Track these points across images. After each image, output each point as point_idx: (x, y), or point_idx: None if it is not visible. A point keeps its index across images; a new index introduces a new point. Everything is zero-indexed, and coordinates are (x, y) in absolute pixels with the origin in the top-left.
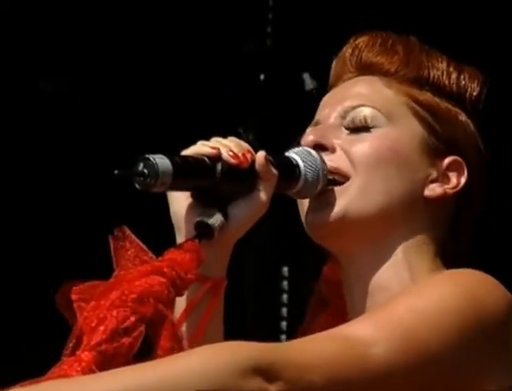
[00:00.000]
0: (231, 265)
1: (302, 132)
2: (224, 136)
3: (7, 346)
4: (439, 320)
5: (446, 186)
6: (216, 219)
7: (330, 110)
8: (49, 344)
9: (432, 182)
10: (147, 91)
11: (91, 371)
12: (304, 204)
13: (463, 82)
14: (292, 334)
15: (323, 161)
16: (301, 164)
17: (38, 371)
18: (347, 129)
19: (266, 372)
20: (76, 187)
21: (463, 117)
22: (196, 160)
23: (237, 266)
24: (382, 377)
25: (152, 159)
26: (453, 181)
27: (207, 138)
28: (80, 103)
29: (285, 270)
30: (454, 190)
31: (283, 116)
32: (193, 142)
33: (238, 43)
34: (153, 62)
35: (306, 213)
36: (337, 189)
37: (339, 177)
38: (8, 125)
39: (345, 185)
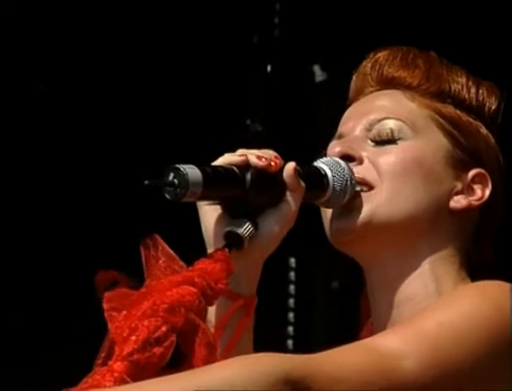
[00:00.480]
0: None
1: (310, 123)
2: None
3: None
4: (467, 334)
5: (471, 198)
6: (246, 229)
7: (355, 123)
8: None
9: (457, 193)
10: (154, 86)
11: (124, 381)
12: (328, 212)
13: (482, 96)
14: (298, 325)
15: (351, 171)
16: (329, 173)
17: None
18: (373, 141)
19: (297, 384)
20: (107, 195)
21: (484, 130)
22: (225, 170)
23: None
24: (411, 390)
25: (182, 169)
26: (478, 193)
27: (216, 132)
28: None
29: (292, 261)
30: (479, 202)
31: (290, 107)
32: (201, 136)
33: (246, 34)
34: (159, 55)
35: (331, 220)
36: (363, 195)
37: (366, 188)
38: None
39: (372, 192)
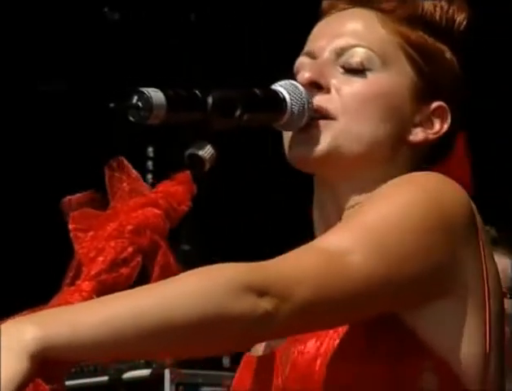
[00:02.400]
0: None
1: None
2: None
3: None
4: (407, 223)
5: (429, 132)
6: (207, 151)
7: (326, 43)
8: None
9: (416, 126)
10: None
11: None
12: (289, 135)
13: (451, 15)
14: None
15: (309, 94)
16: (287, 97)
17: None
18: (343, 68)
19: (256, 289)
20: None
21: (449, 55)
22: (188, 93)
23: None
24: (364, 283)
25: (146, 92)
26: (436, 126)
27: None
28: None
29: None
30: (436, 135)
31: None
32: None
33: None
34: None
35: (290, 146)
36: (322, 123)
37: (327, 118)
38: None
39: (332, 121)
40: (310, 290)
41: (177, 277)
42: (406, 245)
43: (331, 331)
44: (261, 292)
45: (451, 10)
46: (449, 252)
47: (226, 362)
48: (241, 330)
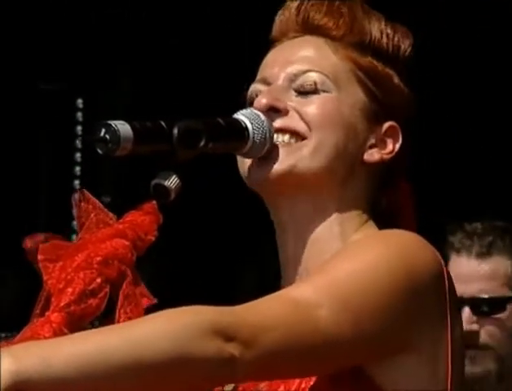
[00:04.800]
0: None
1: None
2: None
3: None
4: (374, 281)
5: (383, 152)
6: (172, 181)
7: (279, 70)
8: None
9: (371, 147)
10: None
11: (61, 332)
12: (246, 161)
13: (397, 42)
14: None
15: (270, 123)
16: (249, 126)
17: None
18: (296, 91)
19: (223, 333)
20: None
21: (397, 79)
22: (154, 125)
23: None
24: (329, 337)
25: (113, 125)
26: (389, 146)
27: None
28: None
29: None
30: (390, 155)
31: None
32: None
33: None
34: None
35: (249, 169)
36: (285, 148)
37: (295, 140)
38: None
39: (298, 144)
40: (276, 339)
41: (146, 317)
42: (372, 302)
43: (297, 380)
44: (228, 337)
45: (396, 38)
46: (414, 310)
47: None
48: (206, 373)
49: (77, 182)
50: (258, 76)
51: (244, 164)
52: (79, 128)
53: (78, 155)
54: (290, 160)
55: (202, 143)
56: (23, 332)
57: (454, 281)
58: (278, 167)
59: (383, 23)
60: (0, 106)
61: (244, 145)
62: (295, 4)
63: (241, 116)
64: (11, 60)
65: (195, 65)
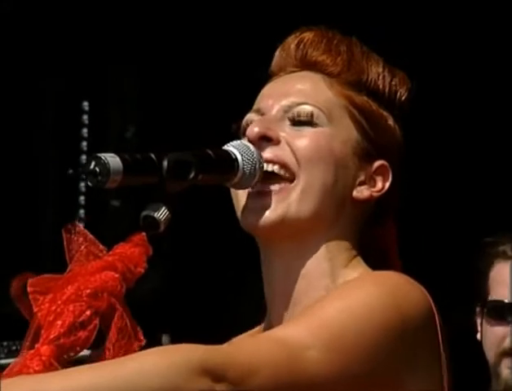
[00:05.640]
0: None
1: None
2: None
3: None
4: (365, 321)
5: (372, 190)
6: (162, 212)
7: (274, 102)
8: None
9: (361, 184)
10: None
11: (51, 365)
12: (239, 198)
13: (394, 87)
14: None
15: (259, 155)
16: (239, 157)
17: None
18: (291, 120)
19: (213, 373)
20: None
21: (391, 122)
22: (144, 158)
23: None
24: (319, 378)
25: (103, 158)
26: (379, 185)
27: None
28: None
29: None
30: (379, 193)
31: None
32: None
33: None
34: None
35: (243, 210)
36: (276, 194)
37: (284, 172)
38: None
39: (287, 188)
40: (266, 380)
41: (137, 354)
42: (362, 342)
43: None
44: (217, 377)
45: (393, 83)
46: (406, 350)
47: (166, 340)
48: None
49: (82, 185)
50: (254, 107)
51: (239, 202)
52: (85, 131)
53: (84, 157)
54: (280, 209)
55: (192, 175)
56: (12, 366)
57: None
58: (269, 216)
59: (381, 65)
60: (5, 106)
61: (234, 177)
62: (295, 40)
63: (231, 147)
64: (18, 58)
65: (204, 67)
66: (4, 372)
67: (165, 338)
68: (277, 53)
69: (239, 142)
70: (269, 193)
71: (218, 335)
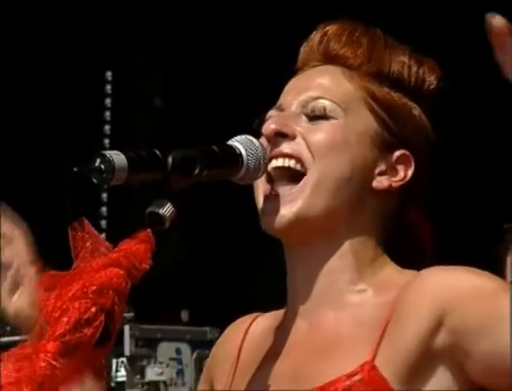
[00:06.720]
0: None
1: None
2: None
3: None
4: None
5: (393, 179)
6: (167, 209)
7: (292, 98)
8: None
9: (381, 174)
10: None
11: (56, 361)
12: (259, 202)
13: (422, 75)
14: None
15: (264, 149)
16: (243, 152)
17: None
18: (307, 116)
19: None
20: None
21: (416, 111)
22: (148, 154)
23: None
24: None
25: (108, 155)
26: (401, 174)
27: None
28: None
29: None
30: (400, 183)
31: None
32: None
33: None
34: None
35: (261, 214)
36: (289, 193)
37: (300, 167)
38: None
39: (300, 184)
40: None
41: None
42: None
43: None
44: None
45: (421, 71)
46: None
47: (185, 316)
48: None
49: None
50: (277, 103)
51: (259, 202)
52: (108, 101)
53: (107, 127)
54: (295, 207)
55: (197, 171)
56: (15, 352)
57: None
58: (285, 215)
59: (407, 55)
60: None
61: (238, 172)
62: (318, 34)
63: (235, 142)
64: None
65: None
66: (5, 357)
67: (183, 314)
68: (302, 48)
69: (243, 136)
70: (283, 192)
71: (237, 312)
